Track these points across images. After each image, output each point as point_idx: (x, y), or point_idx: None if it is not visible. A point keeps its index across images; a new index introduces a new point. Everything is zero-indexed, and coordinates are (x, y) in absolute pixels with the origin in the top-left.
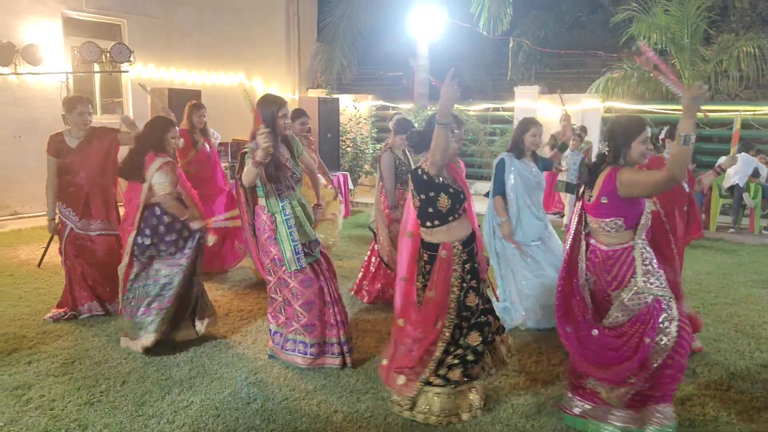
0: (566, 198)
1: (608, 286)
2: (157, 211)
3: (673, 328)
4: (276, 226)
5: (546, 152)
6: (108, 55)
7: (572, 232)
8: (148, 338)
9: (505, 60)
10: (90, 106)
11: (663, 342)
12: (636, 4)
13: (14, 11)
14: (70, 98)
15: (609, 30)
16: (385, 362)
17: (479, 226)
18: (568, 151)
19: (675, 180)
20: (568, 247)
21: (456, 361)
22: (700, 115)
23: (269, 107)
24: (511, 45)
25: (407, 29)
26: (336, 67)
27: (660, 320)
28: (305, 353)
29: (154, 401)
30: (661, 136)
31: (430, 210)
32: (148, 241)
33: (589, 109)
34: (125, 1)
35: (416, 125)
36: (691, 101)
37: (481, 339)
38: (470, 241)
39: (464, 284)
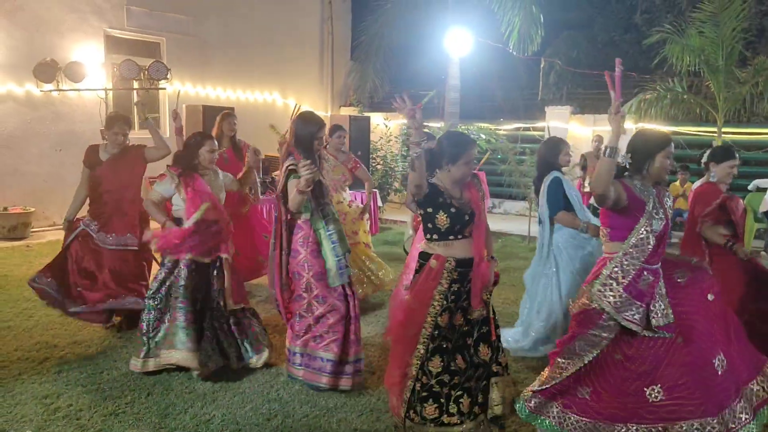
0: None
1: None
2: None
3: (601, 345)
4: (320, 240)
5: (577, 172)
6: (146, 72)
7: None
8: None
9: (537, 80)
10: (128, 127)
11: (579, 347)
12: (670, 25)
13: (58, 30)
14: (110, 116)
15: (642, 51)
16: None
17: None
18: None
19: (593, 191)
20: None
21: (424, 394)
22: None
23: (308, 127)
24: (542, 65)
25: (438, 48)
26: (368, 85)
27: (593, 330)
28: (330, 372)
29: (177, 414)
30: (704, 159)
31: (429, 225)
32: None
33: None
34: (165, 21)
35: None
36: (611, 118)
37: (442, 367)
38: (467, 264)
39: (444, 302)
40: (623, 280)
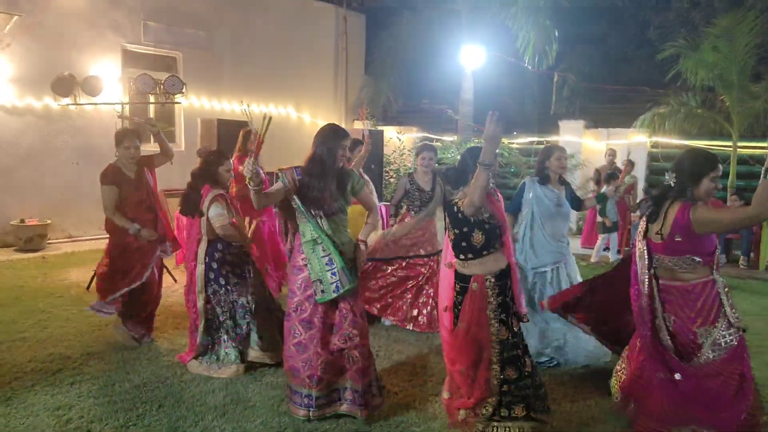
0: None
1: (692, 323)
2: (219, 245)
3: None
4: (307, 255)
5: (590, 186)
6: (162, 86)
7: (640, 275)
8: (228, 370)
9: (550, 94)
10: (137, 140)
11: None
12: (683, 40)
13: (76, 45)
14: (119, 132)
15: (656, 65)
16: (446, 395)
17: None
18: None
19: (760, 217)
20: (637, 291)
21: (509, 398)
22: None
23: (331, 139)
24: (555, 80)
25: (452, 63)
26: (382, 99)
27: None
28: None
29: (188, 427)
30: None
31: (464, 244)
32: (214, 274)
33: (635, 144)
34: (181, 36)
35: (458, 157)
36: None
37: (518, 374)
38: (504, 275)
39: (499, 317)
40: (729, 296)
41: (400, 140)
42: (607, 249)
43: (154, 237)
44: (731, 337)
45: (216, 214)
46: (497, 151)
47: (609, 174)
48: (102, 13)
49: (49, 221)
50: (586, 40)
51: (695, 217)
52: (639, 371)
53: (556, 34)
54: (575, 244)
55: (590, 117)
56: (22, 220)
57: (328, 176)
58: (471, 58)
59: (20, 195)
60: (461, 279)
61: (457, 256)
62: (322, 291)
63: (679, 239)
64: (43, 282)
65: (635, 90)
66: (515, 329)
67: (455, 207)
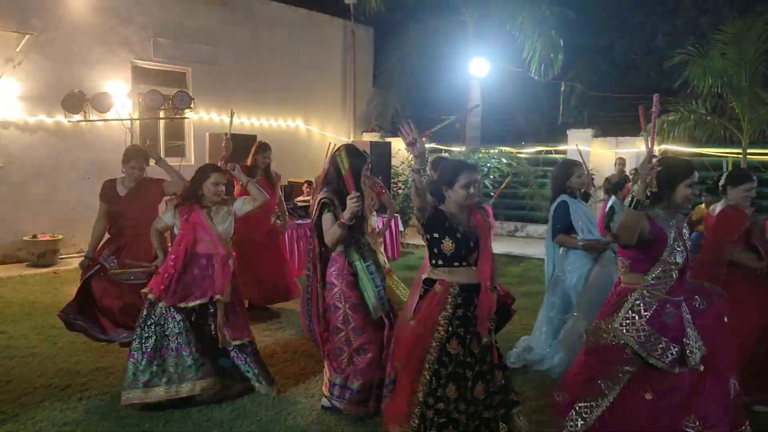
0: None
1: (600, 315)
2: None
3: (624, 380)
4: (357, 272)
5: (599, 196)
6: (170, 102)
7: None
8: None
9: (558, 103)
10: (145, 161)
11: (605, 385)
12: (692, 47)
13: (87, 62)
14: (128, 150)
15: (664, 72)
16: (387, 403)
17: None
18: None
19: (620, 242)
20: None
21: (443, 420)
22: None
23: (356, 162)
24: (562, 89)
25: (460, 74)
26: (390, 111)
27: (617, 367)
28: (352, 400)
29: None
30: (722, 182)
31: (435, 250)
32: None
33: (644, 152)
34: (190, 51)
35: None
36: (642, 169)
37: (458, 394)
38: (471, 290)
39: (450, 328)
40: (645, 313)
41: (408, 151)
42: None
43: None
44: (604, 337)
45: (160, 217)
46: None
47: (616, 183)
48: (112, 30)
49: (60, 236)
50: (594, 48)
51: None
52: None
53: (562, 43)
54: None
55: (599, 126)
56: (35, 236)
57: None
58: (478, 69)
59: (32, 210)
60: (428, 283)
61: (429, 261)
62: (375, 307)
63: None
64: (55, 297)
65: (644, 98)
66: (473, 349)
67: (433, 209)
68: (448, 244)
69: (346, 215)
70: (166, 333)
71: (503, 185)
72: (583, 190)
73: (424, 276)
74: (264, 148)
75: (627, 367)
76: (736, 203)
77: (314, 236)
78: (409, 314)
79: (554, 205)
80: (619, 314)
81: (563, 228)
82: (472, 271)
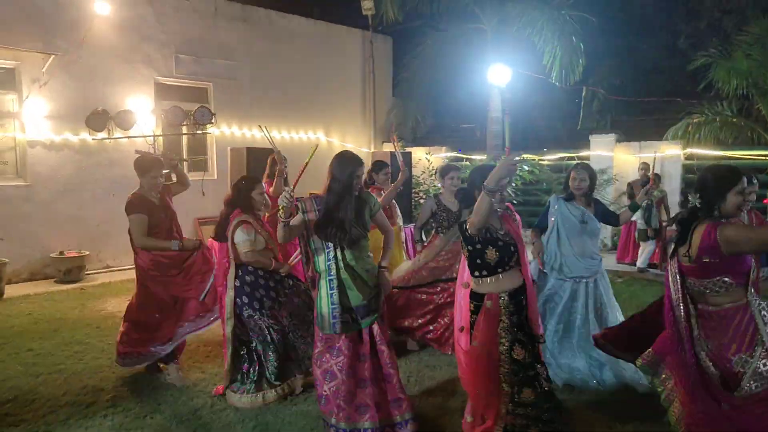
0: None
1: (727, 351)
2: (250, 269)
3: None
4: (318, 284)
5: (623, 201)
6: (192, 117)
7: (673, 299)
8: (247, 399)
9: (580, 109)
10: (162, 170)
11: None
12: (715, 49)
13: (110, 80)
14: (144, 161)
15: (688, 75)
16: (469, 419)
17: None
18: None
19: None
20: (672, 317)
21: (524, 421)
22: None
23: (346, 168)
24: (584, 94)
25: (479, 81)
26: (410, 121)
27: None
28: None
29: None
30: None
31: (479, 261)
32: (247, 299)
33: (668, 156)
34: (211, 67)
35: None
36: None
37: (534, 395)
38: (519, 293)
39: (511, 336)
40: None
41: (429, 161)
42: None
43: (198, 246)
44: None
45: (241, 240)
46: (506, 180)
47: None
48: (135, 48)
49: (87, 252)
50: (615, 52)
51: (723, 237)
52: (691, 401)
53: (583, 48)
54: (611, 260)
55: (622, 130)
56: (62, 252)
57: (347, 205)
58: (498, 76)
59: (59, 228)
60: (476, 298)
61: (472, 274)
62: (326, 324)
63: (707, 260)
64: (81, 313)
65: (667, 101)
66: (531, 349)
67: (464, 225)
68: (492, 254)
69: (280, 213)
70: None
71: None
72: (632, 202)
73: (471, 288)
74: (276, 158)
75: None
76: None
77: (300, 241)
78: (461, 329)
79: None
80: (762, 335)
81: (539, 223)
82: (515, 273)
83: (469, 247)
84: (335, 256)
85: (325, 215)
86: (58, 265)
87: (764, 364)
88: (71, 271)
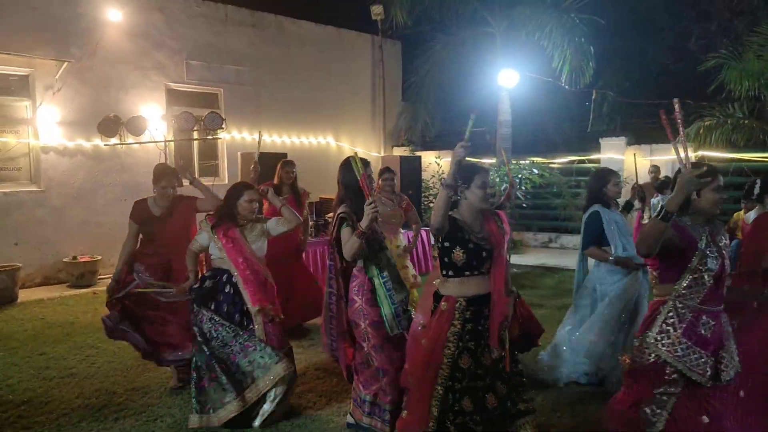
0: None
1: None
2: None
3: (670, 404)
4: (375, 288)
5: (636, 204)
6: (202, 123)
7: None
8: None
9: (589, 112)
10: (176, 180)
11: (651, 412)
12: (726, 50)
13: (123, 86)
14: (157, 169)
15: (698, 77)
16: (404, 414)
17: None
18: (654, 200)
19: (641, 254)
20: None
21: (462, 430)
22: None
23: (351, 173)
24: (593, 97)
25: (489, 85)
26: (420, 124)
27: (659, 389)
28: (386, 420)
29: None
30: (756, 190)
31: (446, 260)
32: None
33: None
34: (222, 72)
35: (497, 180)
36: (688, 182)
37: (473, 406)
38: (480, 302)
39: (461, 343)
40: (680, 325)
41: (438, 165)
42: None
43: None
44: (640, 355)
45: (195, 239)
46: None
47: (662, 182)
48: (146, 55)
49: (99, 257)
50: (625, 55)
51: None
52: None
53: (592, 51)
54: None
55: (632, 133)
56: (74, 257)
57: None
58: (507, 80)
59: (72, 233)
60: (436, 297)
61: (441, 272)
62: (390, 324)
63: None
64: (93, 317)
65: (678, 103)
66: (485, 362)
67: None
68: (459, 254)
69: (363, 223)
70: None
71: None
72: (627, 200)
73: (435, 290)
74: (287, 163)
75: (670, 389)
76: None
77: (335, 252)
78: (420, 326)
79: (587, 214)
80: (653, 328)
81: (594, 239)
82: (484, 280)
83: (438, 244)
84: (383, 258)
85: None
86: (71, 269)
87: (636, 349)
88: (84, 275)
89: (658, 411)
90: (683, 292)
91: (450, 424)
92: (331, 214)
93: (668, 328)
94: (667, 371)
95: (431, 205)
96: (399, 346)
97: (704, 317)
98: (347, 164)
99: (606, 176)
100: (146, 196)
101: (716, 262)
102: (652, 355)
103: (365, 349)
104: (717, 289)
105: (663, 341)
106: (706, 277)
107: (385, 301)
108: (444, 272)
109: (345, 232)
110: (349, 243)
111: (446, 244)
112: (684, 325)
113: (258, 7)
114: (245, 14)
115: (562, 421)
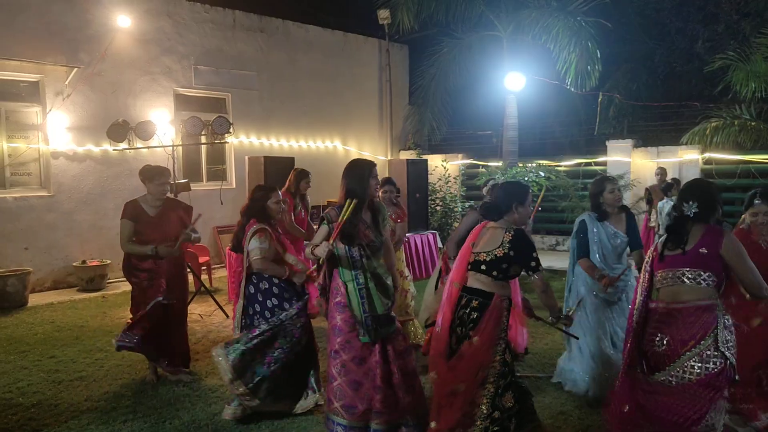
0: None
1: (683, 346)
2: (264, 276)
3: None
4: (347, 294)
5: (641, 206)
6: (210, 127)
7: (643, 295)
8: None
9: (596, 115)
10: (169, 178)
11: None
12: (733, 52)
13: (131, 92)
14: (150, 168)
15: (705, 79)
16: (433, 425)
17: None
18: (661, 202)
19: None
20: (636, 311)
21: (496, 428)
22: None
23: (359, 170)
24: (600, 99)
25: (495, 88)
26: (427, 128)
27: (723, 395)
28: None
29: None
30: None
31: (504, 266)
32: (260, 307)
33: (686, 161)
34: (230, 77)
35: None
36: None
37: (514, 401)
38: (511, 302)
39: (506, 339)
40: (731, 327)
41: (445, 168)
42: None
43: (176, 253)
44: (714, 358)
45: (253, 247)
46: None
47: (668, 185)
48: (155, 60)
49: (108, 261)
50: (632, 57)
51: (728, 243)
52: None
53: (599, 54)
54: None
55: (639, 135)
56: (84, 261)
57: (363, 210)
58: (514, 83)
59: (82, 237)
60: (481, 294)
61: (489, 273)
62: (363, 333)
63: (705, 251)
64: (102, 321)
65: (685, 105)
66: (509, 359)
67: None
68: (516, 270)
69: (318, 252)
70: None
71: (538, 201)
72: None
73: (473, 286)
74: (305, 174)
75: (726, 391)
76: None
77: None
78: (440, 325)
79: (576, 222)
80: (720, 331)
81: (584, 250)
82: (511, 285)
83: (511, 252)
84: (362, 265)
85: (350, 222)
86: (81, 273)
87: (707, 352)
88: (93, 279)
89: (718, 417)
90: (719, 296)
91: (494, 425)
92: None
93: (730, 328)
94: (729, 373)
95: (438, 208)
96: (360, 360)
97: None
98: (354, 171)
99: (601, 184)
100: (135, 198)
101: None
102: (721, 358)
103: (329, 349)
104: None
105: (729, 344)
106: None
107: (357, 309)
108: (494, 274)
109: (322, 229)
110: (316, 242)
111: (516, 257)
112: (732, 329)
113: (266, 12)
114: (253, 19)
115: (569, 423)
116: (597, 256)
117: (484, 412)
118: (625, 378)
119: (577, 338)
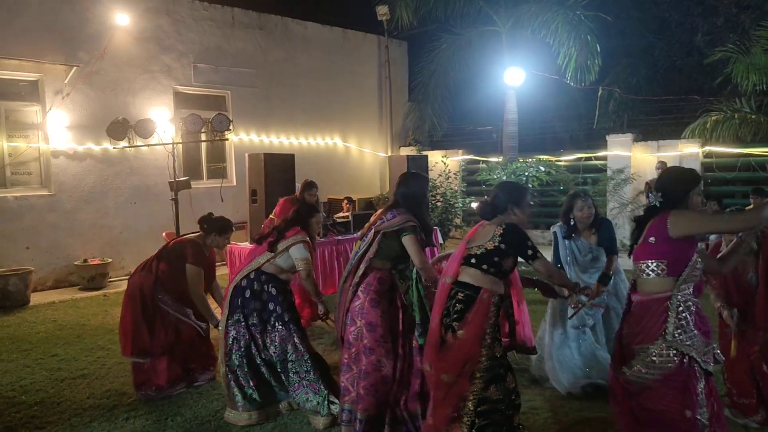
0: None
1: (633, 341)
2: (263, 278)
3: (708, 404)
4: (411, 291)
5: (642, 200)
6: (210, 125)
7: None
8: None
9: (596, 109)
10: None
11: (701, 416)
12: (732, 45)
13: (131, 90)
14: (227, 223)
15: (706, 73)
16: (430, 420)
17: None
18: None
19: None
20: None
21: (485, 422)
22: None
23: (423, 184)
24: (600, 94)
25: (495, 84)
26: (427, 124)
27: (698, 391)
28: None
29: None
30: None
31: (495, 259)
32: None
33: (687, 154)
34: (229, 75)
35: (504, 178)
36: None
37: (500, 395)
38: (503, 299)
39: (494, 334)
40: (691, 318)
41: (445, 164)
42: None
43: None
44: (667, 358)
45: (302, 257)
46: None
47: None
48: (154, 58)
49: (110, 260)
50: (631, 51)
51: (672, 221)
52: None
53: (598, 48)
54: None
55: (639, 130)
56: (85, 260)
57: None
58: (513, 78)
59: (83, 236)
60: (468, 288)
61: (479, 266)
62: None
63: (653, 240)
64: (104, 319)
65: (685, 99)
66: (499, 353)
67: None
68: (509, 263)
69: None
70: None
71: None
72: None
73: (463, 280)
74: (310, 186)
75: (701, 385)
76: None
77: (375, 243)
78: (436, 319)
79: (551, 231)
80: (669, 325)
81: (558, 259)
82: (503, 282)
83: (502, 245)
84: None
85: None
86: (82, 272)
87: (657, 354)
88: (95, 278)
89: (705, 412)
90: (682, 286)
91: (482, 419)
92: (341, 214)
93: (682, 322)
94: (695, 368)
95: (439, 204)
96: (391, 356)
97: (699, 306)
98: (413, 176)
99: (571, 201)
100: (195, 238)
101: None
102: (682, 356)
103: (354, 348)
104: (700, 279)
105: (682, 337)
106: (689, 270)
107: (417, 308)
108: (485, 267)
109: (412, 239)
110: (420, 251)
111: (505, 247)
112: (693, 318)
113: (265, 9)
114: (252, 17)
115: (570, 416)
116: (569, 268)
117: (470, 408)
118: (614, 379)
119: (603, 307)
